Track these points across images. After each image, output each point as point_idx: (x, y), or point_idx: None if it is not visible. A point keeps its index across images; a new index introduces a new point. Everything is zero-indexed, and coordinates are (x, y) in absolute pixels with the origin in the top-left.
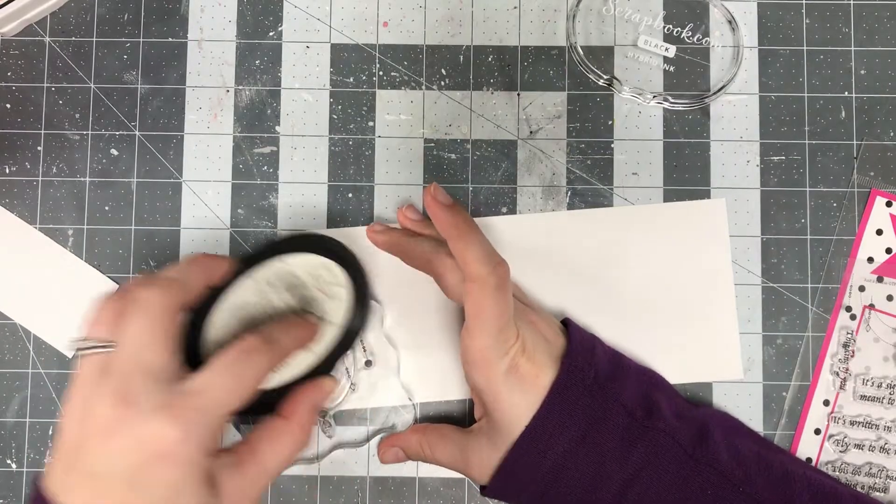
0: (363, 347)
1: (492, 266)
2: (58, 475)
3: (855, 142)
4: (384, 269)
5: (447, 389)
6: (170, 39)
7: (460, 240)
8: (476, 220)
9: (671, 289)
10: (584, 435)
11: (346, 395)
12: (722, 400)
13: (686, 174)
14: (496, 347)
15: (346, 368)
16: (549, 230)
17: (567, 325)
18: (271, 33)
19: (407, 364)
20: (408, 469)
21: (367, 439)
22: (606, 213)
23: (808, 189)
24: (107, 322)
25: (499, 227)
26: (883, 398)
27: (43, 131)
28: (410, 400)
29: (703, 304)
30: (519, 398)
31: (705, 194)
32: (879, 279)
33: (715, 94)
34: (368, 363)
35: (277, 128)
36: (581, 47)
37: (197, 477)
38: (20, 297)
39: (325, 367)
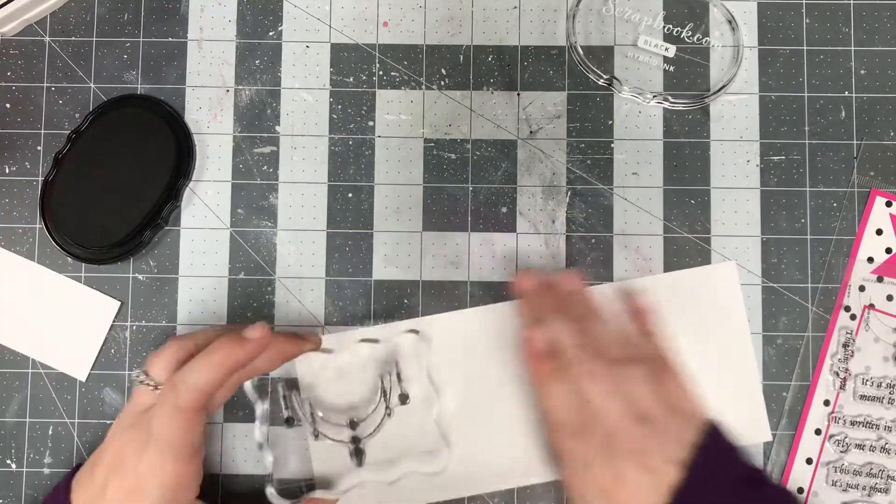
0: (399, 379)
1: (573, 413)
2: (86, 476)
3: (855, 142)
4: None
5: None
6: (170, 39)
7: (544, 385)
8: (474, 312)
9: (691, 356)
10: None
11: (383, 421)
12: None
13: (686, 174)
14: (581, 483)
15: (384, 391)
16: None
17: (707, 435)
18: (271, 33)
19: (447, 410)
20: None
21: (395, 480)
22: (620, 286)
23: (807, 189)
24: (164, 365)
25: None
26: (883, 398)
27: (43, 131)
28: (447, 448)
29: (725, 368)
30: None
31: (705, 194)
32: (879, 279)
33: (715, 93)
34: (404, 398)
35: (277, 128)
36: (581, 47)
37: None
38: (24, 329)
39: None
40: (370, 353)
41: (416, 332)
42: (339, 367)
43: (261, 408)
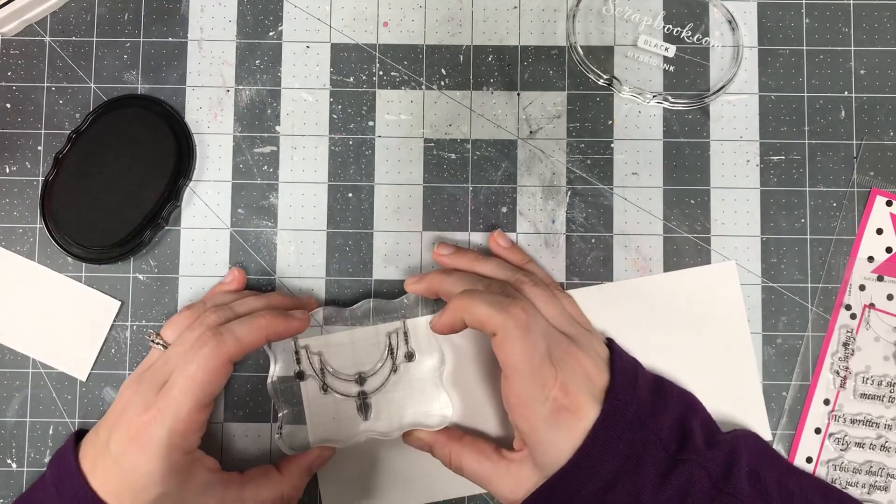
0: (406, 337)
1: (503, 313)
2: (91, 435)
3: (855, 142)
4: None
5: (483, 419)
6: (170, 39)
7: (461, 309)
8: None
9: (691, 356)
10: (622, 470)
11: (389, 377)
12: None
13: (686, 174)
14: (533, 391)
15: (391, 348)
16: None
17: (611, 348)
18: (271, 33)
19: (448, 375)
20: None
21: (397, 432)
22: (617, 286)
23: (807, 189)
24: (176, 327)
25: None
26: (883, 396)
27: (43, 131)
28: (450, 406)
29: (725, 368)
30: (563, 442)
31: (705, 194)
32: (880, 278)
33: (715, 93)
34: (410, 357)
35: (277, 128)
36: (581, 47)
37: (164, 464)
38: (24, 329)
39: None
40: (381, 327)
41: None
42: (352, 339)
43: (274, 360)
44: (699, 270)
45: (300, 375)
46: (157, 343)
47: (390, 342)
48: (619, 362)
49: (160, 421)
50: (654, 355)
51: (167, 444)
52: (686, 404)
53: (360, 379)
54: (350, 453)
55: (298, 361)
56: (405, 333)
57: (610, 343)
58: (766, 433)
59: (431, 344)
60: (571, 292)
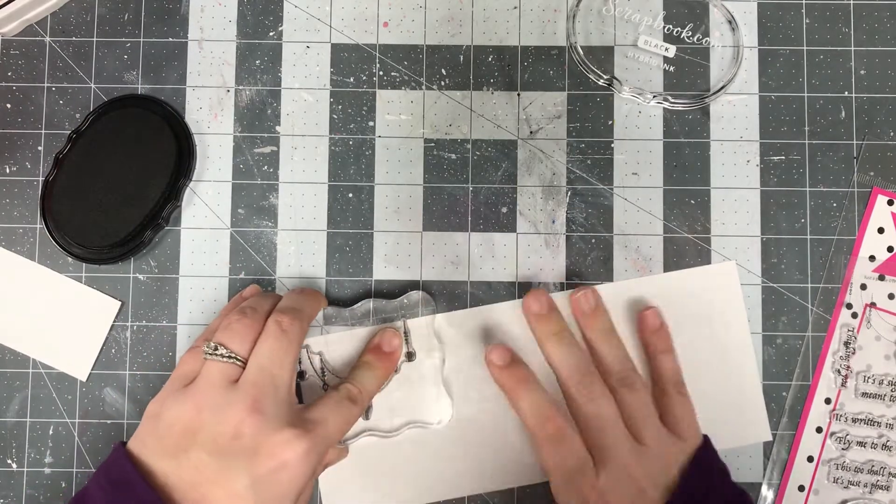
0: (406, 337)
1: (540, 422)
2: (157, 448)
3: (855, 142)
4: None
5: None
6: (170, 39)
7: (513, 394)
8: (484, 307)
9: (690, 359)
10: None
11: (390, 377)
12: None
13: (686, 174)
14: (564, 494)
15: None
16: (563, 311)
17: (698, 454)
18: (271, 33)
19: (449, 368)
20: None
21: (397, 430)
22: (616, 287)
23: (807, 189)
24: (240, 337)
25: (507, 313)
26: (884, 395)
27: (43, 131)
28: (450, 405)
29: (724, 371)
30: None
31: (705, 194)
32: (881, 277)
33: (715, 94)
34: (410, 356)
35: (277, 128)
36: (581, 47)
37: (298, 492)
38: (24, 329)
39: None
40: (382, 327)
41: (421, 291)
42: (352, 339)
43: None
44: (699, 270)
45: (301, 375)
46: (230, 357)
47: None
48: (691, 482)
49: (318, 442)
50: None
51: (316, 466)
52: None
53: None
54: (350, 453)
55: (299, 361)
56: (405, 333)
57: (702, 447)
58: (765, 433)
59: (432, 344)
60: (570, 292)
